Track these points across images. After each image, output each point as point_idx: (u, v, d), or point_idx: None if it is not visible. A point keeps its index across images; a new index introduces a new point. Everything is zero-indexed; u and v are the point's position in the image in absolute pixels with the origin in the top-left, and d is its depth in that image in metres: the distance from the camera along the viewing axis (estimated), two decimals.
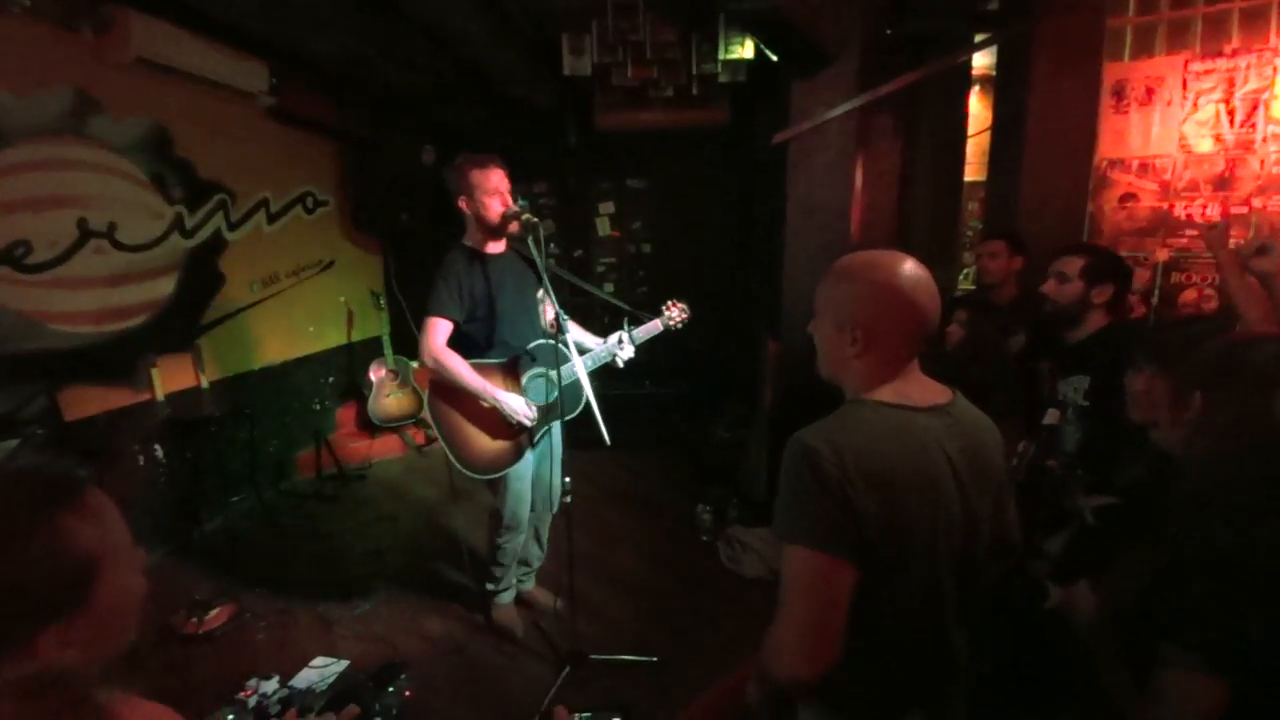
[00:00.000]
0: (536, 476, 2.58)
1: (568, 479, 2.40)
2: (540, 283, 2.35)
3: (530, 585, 2.91)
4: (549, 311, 2.44)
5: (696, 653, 2.59)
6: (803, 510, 0.98)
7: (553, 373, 2.37)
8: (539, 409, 2.40)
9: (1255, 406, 1.05)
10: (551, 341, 2.38)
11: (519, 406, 2.34)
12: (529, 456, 2.48)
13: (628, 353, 2.49)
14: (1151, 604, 1.09)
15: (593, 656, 2.50)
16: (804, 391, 3.37)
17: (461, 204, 2.35)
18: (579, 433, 2.47)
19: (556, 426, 2.51)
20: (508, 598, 2.77)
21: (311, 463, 4.32)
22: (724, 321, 5.10)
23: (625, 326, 2.51)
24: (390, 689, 2.33)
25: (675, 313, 2.61)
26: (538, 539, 2.80)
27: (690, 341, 5.07)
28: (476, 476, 2.43)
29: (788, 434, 1.01)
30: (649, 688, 2.41)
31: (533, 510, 2.62)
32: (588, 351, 2.52)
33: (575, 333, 2.55)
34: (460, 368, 2.28)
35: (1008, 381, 2.49)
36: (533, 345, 2.43)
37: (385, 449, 4.67)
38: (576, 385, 2.37)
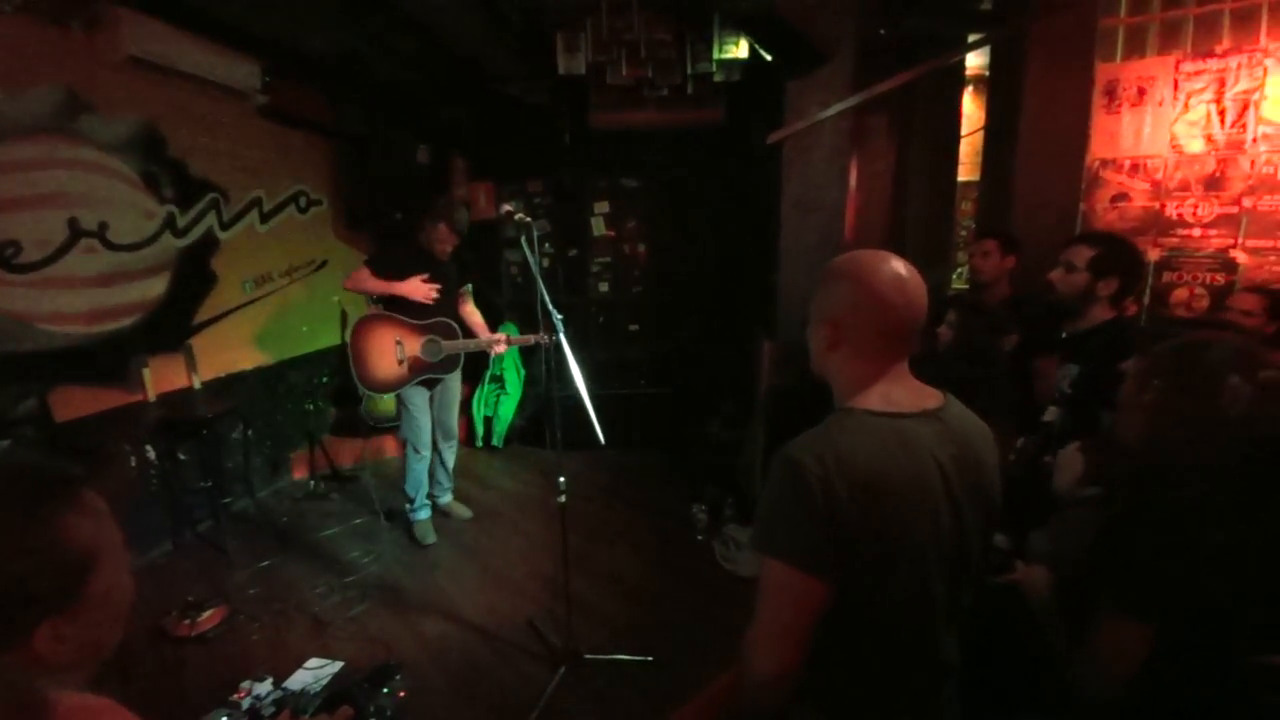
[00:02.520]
0: (436, 420, 3.49)
1: (562, 479, 2.41)
2: (460, 287, 3.44)
3: (448, 499, 3.75)
4: (467, 302, 3.51)
5: (692, 652, 2.59)
6: (782, 525, 0.98)
7: (444, 342, 3.26)
8: (426, 364, 3.27)
9: (1203, 399, 1.15)
10: (448, 319, 3.29)
11: (417, 285, 3.21)
12: (423, 393, 3.38)
13: (500, 349, 3.34)
14: (1091, 564, 1.16)
15: (588, 656, 2.50)
16: (798, 390, 3.38)
17: (426, 230, 3.28)
18: (574, 432, 2.47)
19: (455, 381, 3.51)
20: (424, 515, 3.55)
21: (305, 463, 4.31)
22: (719, 320, 5.11)
23: (502, 330, 3.31)
24: (385, 690, 2.32)
25: (547, 338, 2.93)
26: (444, 466, 3.66)
27: (685, 341, 5.11)
28: (373, 393, 3.39)
29: (782, 433, 1.01)
30: (644, 687, 2.42)
31: (437, 449, 3.57)
32: (474, 337, 3.41)
33: (475, 318, 3.49)
34: (369, 281, 3.22)
35: (997, 381, 2.50)
36: (434, 320, 3.27)
37: (378, 449, 4.66)
38: (458, 357, 3.34)
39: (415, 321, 3.24)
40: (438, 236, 3.26)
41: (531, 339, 2.98)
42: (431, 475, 3.61)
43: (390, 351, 3.21)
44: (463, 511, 3.74)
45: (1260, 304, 2.35)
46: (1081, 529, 1.33)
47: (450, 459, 3.67)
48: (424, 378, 3.31)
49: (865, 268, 1.06)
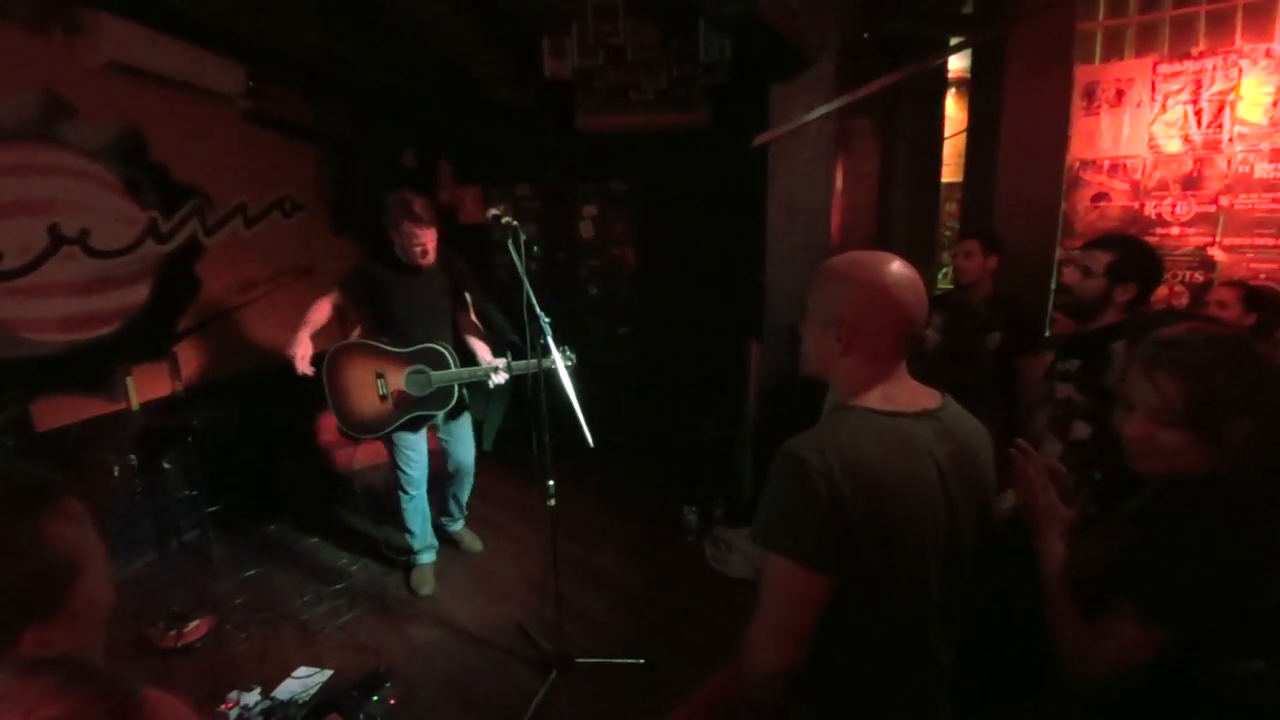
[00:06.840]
0: (448, 453, 3.12)
1: (551, 482, 2.40)
2: (460, 299, 2.98)
3: (459, 527, 3.45)
4: (466, 317, 3.01)
5: (683, 654, 2.59)
6: (786, 521, 0.98)
7: (433, 373, 2.78)
8: (414, 399, 2.82)
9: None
10: (437, 347, 2.79)
11: (298, 351, 2.71)
12: (418, 435, 2.99)
13: (501, 378, 2.80)
14: (1117, 569, 1.11)
15: (579, 660, 2.49)
16: (787, 391, 3.40)
17: (393, 237, 2.76)
18: (562, 435, 2.47)
19: (466, 420, 3.13)
20: (427, 558, 3.16)
21: (292, 470, 4.26)
22: (707, 322, 5.12)
23: (508, 355, 2.83)
24: (374, 697, 2.31)
25: (559, 359, 2.66)
26: (456, 499, 3.34)
27: (674, 343, 5.12)
28: (355, 435, 2.97)
29: (772, 433, 1.02)
30: (636, 689, 2.42)
31: (451, 485, 3.25)
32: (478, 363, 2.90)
33: (477, 346, 2.98)
34: (310, 314, 2.82)
35: (984, 382, 2.53)
36: (420, 347, 2.80)
37: (367, 456, 4.62)
38: (450, 390, 2.82)
39: (398, 349, 2.79)
40: (407, 239, 2.70)
41: (534, 364, 2.46)
42: (442, 504, 3.33)
43: (370, 385, 2.78)
44: (474, 543, 3.41)
45: (1235, 296, 2.40)
46: (1106, 533, 1.31)
47: (465, 493, 3.32)
48: (413, 416, 2.85)
49: (875, 269, 1.05)
